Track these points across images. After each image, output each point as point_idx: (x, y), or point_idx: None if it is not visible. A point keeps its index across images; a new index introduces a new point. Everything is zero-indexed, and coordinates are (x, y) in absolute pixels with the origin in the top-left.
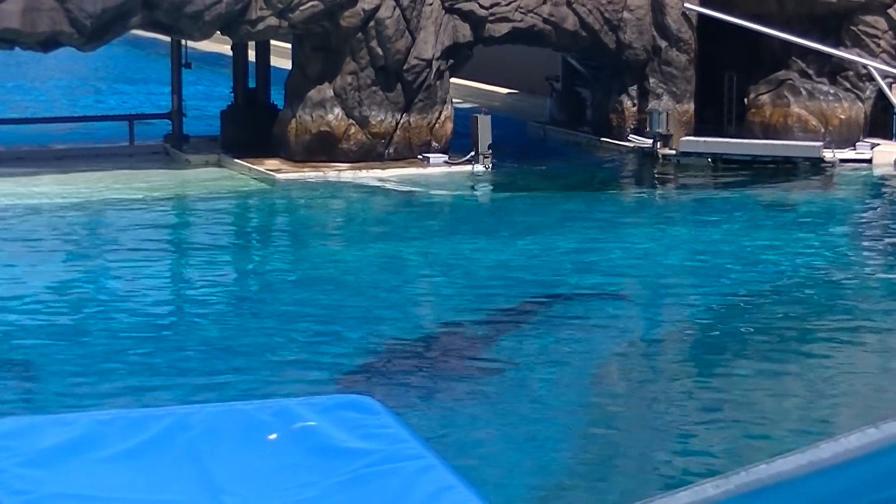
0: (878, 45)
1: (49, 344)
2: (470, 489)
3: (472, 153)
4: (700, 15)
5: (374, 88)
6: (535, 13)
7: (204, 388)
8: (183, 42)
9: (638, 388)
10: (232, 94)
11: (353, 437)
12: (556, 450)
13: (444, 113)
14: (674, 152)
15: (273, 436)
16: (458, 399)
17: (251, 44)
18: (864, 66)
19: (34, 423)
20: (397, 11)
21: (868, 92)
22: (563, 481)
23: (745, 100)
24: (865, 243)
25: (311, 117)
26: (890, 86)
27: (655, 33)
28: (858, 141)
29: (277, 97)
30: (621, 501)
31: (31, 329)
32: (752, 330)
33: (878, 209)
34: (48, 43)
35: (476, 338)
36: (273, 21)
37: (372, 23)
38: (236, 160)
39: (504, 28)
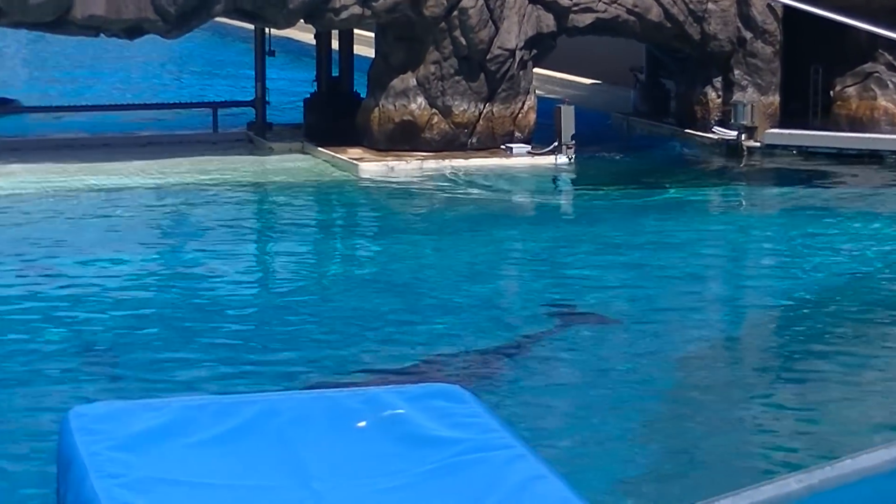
0: None
1: (132, 328)
2: (560, 479)
3: (555, 144)
4: (785, 6)
5: (457, 78)
6: (620, 4)
7: (288, 375)
8: (267, 30)
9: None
10: (315, 83)
11: (443, 426)
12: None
13: (527, 103)
14: (759, 144)
15: (362, 423)
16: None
17: (334, 32)
18: None
19: (126, 407)
20: (481, 1)
21: None
22: (649, 473)
23: (831, 92)
24: None
25: (394, 106)
26: None
27: (740, 24)
28: None
29: (360, 86)
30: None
31: (115, 313)
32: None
33: None
34: (133, 30)
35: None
36: (357, 10)
37: (455, 12)
38: (319, 148)
39: (588, 18)
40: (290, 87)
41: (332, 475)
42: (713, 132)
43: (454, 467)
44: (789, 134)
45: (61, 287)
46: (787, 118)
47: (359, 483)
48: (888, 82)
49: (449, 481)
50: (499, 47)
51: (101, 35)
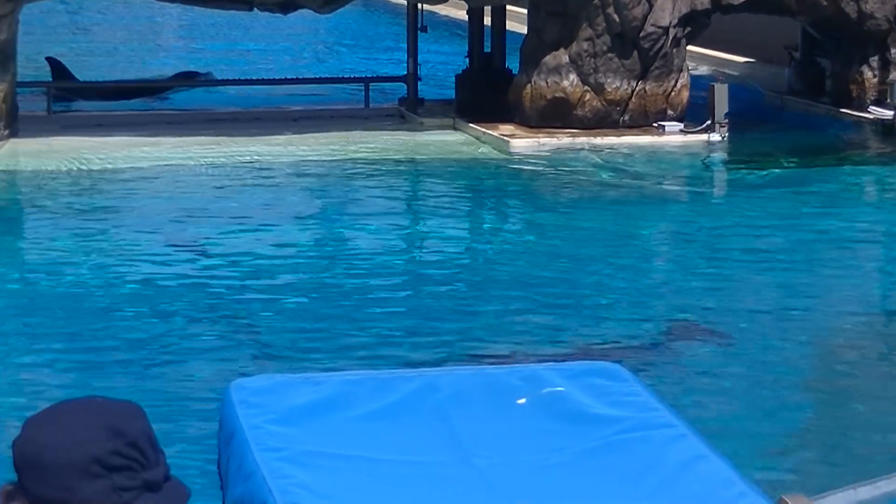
0: None
1: (281, 300)
2: (722, 459)
3: (708, 122)
4: None
5: (610, 55)
6: None
7: (439, 348)
8: (419, 6)
9: None
10: (467, 59)
11: (602, 404)
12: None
13: (680, 81)
14: None
15: (522, 400)
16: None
17: (487, 8)
18: None
19: (286, 381)
20: None
21: None
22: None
23: None
24: None
25: (547, 83)
26: None
27: None
28: None
29: (512, 62)
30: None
31: (264, 285)
32: None
33: None
34: (286, 5)
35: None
36: None
37: None
38: (470, 124)
39: None
40: (442, 63)
41: (491, 451)
42: (869, 112)
43: (615, 445)
44: None
45: (211, 258)
46: None
47: (518, 460)
48: None
49: (609, 459)
50: (652, 24)
51: (255, 9)
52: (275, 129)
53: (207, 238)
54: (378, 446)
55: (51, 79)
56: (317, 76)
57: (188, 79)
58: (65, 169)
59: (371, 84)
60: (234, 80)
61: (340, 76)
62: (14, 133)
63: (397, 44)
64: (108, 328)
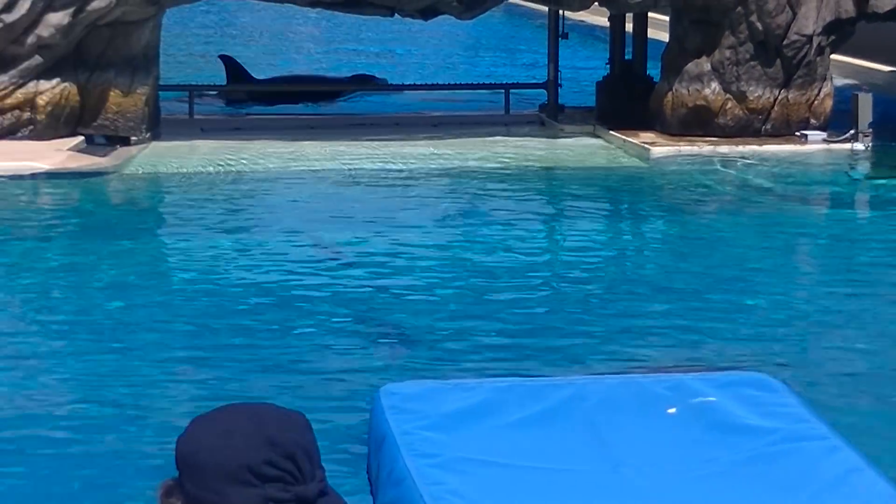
0: None
1: (425, 305)
2: (879, 472)
3: (852, 131)
4: None
5: (752, 63)
6: None
7: (579, 357)
8: (561, 12)
9: None
10: (608, 66)
11: (754, 415)
12: None
13: (823, 90)
14: None
15: (672, 409)
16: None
17: (628, 15)
18: None
19: (435, 386)
20: None
21: None
22: None
23: None
24: None
25: (688, 91)
26: None
27: None
28: None
29: (653, 69)
30: None
31: (405, 291)
32: None
33: None
34: (427, 11)
35: None
36: None
37: None
38: (611, 132)
39: (888, 4)
40: (582, 70)
41: (641, 461)
42: None
43: (767, 457)
44: None
45: (352, 261)
46: None
47: (668, 469)
48: None
49: (762, 471)
50: (796, 33)
51: (396, 15)
52: (415, 135)
53: (348, 242)
54: (528, 454)
55: (225, 79)
56: (457, 83)
57: (364, 82)
58: (205, 171)
59: (512, 90)
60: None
61: (481, 82)
62: (156, 136)
63: (538, 50)
64: (249, 330)
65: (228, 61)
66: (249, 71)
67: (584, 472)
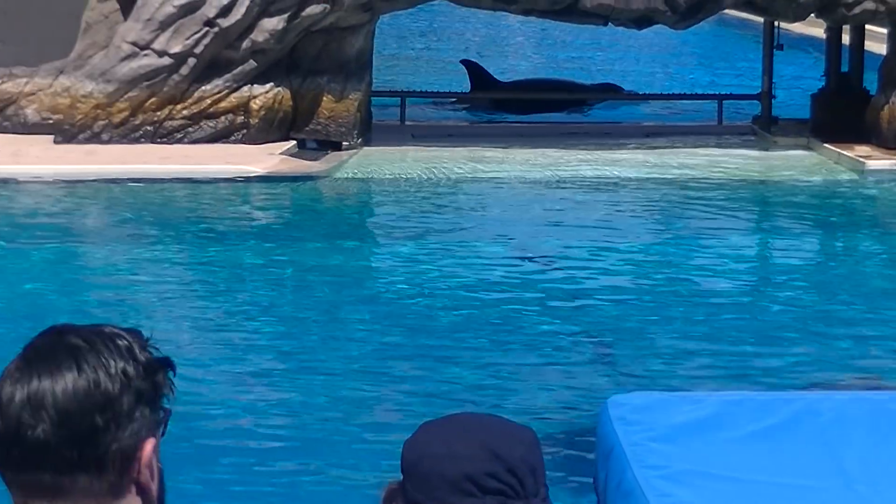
0: None
1: (629, 317)
2: None
3: None
4: None
5: None
6: None
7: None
8: (776, 24)
9: None
10: (823, 78)
11: None
12: None
13: None
14: None
15: None
16: None
17: (845, 27)
18: None
19: (663, 398)
20: None
21: None
22: None
23: None
24: None
25: None
26: None
27: None
28: None
29: (870, 82)
30: None
31: (610, 302)
32: None
33: None
34: (641, 20)
35: None
36: (870, 5)
37: None
38: (825, 145)
39: None
40: (797, 82)
41: (877, 479)
42: None
43: None
44: None
45: (559, 271)
46: None
47: None
48: None
49: None
50: None
51: (609, 24)
52: (624, 144)
53: (554, 251)
54: (758, 468)
55: (469, 84)
56: (669, 92)
57: (608, 91)
58: (415, 177)
59: (725, 101)
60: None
61: (693, 92)
62: (367, 142)
63: (751, 61)
64: (455, 336)
65: (471, 66)
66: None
67: (818, 489)
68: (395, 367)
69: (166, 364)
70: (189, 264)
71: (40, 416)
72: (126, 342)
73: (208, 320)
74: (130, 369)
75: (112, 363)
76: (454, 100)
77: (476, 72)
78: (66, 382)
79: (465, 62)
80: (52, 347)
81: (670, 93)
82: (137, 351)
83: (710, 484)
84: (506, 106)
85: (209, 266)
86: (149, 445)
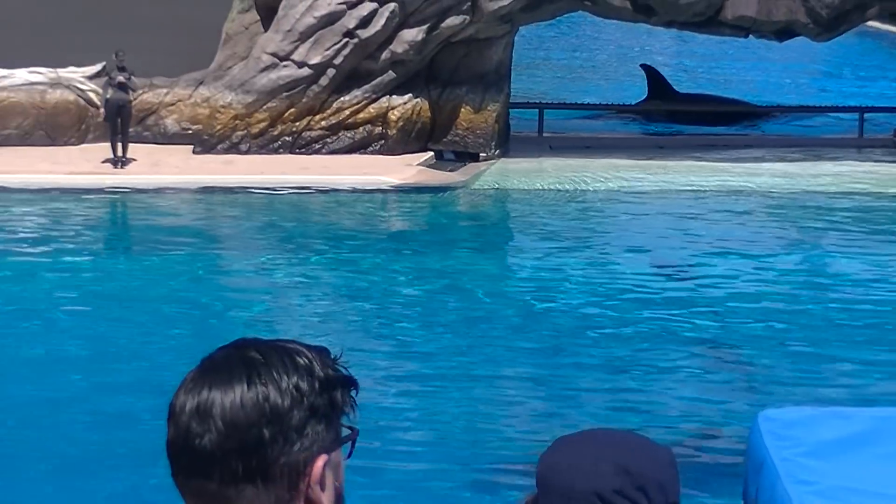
0: None
1: (764, 330)
2: None
3: None
4: None
5: None
6: None
7: None
8: None
9: None
10: None
11: None
12: None
13: None
14: None
15: None
16: None
17: None
18: None
19: (814, 413)
20: None
21: None
22: None
23: None
24: None
25: None
26: None
27: None
28: None
29: None
30: None
31: (745, 314)
32: None
33: None
34: (783, 32)
35: None
36: None
37: None
38: None
39: None
40: None
41: None
42: None
43: None
44: None
45: (693, 282)
46: None
47: None
48: None
49: None
50: None
51: (750, 36)
52: (765, 156)
53: (693, 262)
54: None
55: (646, 90)
56: (811, 105)
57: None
58: (551, 188)
59: (866, 113)
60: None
61: (835, 105)
62: (505, 152)
63: (889, 73)
64: (590, 346)
65: (651, 71)
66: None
67: None
68: (530, 374)
69: (348, 382)
70: (326, 273)
71: (207, 426)
72: (306, 359)
73: (344, 326)
74: (304, 385)
75: (284, 378)
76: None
77: (655, 77)
78: (235, 394)
79: (646, 67)
80: (228, 360)
81: (817, 105)
82: (317, 367)
83: (860, 500)
84: (681, 118)
85: (346, 275)
86: (320, 462)
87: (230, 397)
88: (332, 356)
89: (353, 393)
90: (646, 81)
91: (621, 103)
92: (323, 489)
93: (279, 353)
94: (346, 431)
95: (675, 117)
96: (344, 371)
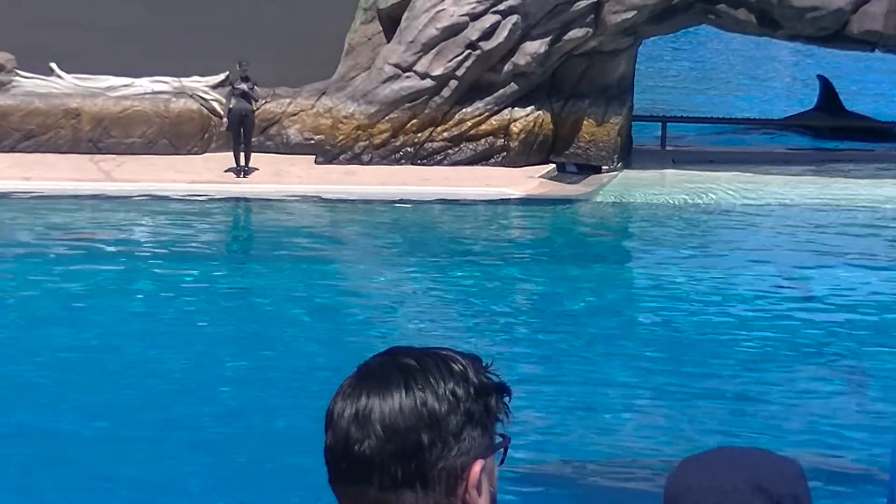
0: None
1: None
2: None
3: None
4: None
5: None
6: None
7: None
8: None
9: None
10: None
11: None
12: None
13: None
14: None
15: None
16: None
17: None
18: None
19: None
20: None
21: None
22: None
23: None
24: None
25: None
26: None
27: None
28: None
29: None
30: None
31: (869, 328)
32: None
33: None
34: None
35: None
36: None
37: None
38: None
39: None
40: None
41: None
42: None
43: None
44: None
45: (817, 296)
46: None
47: None
48: None
49: None
50: None
51: (876, 50)
52: (888, 169)
53: (814, 276)
54: None
55: (818, 99)
56: None
57: None
58: (673, 202)
59: None
60: None
61: None
62: (626, 165)
63: None
64: (709, 358)
65: (825, 83)
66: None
67: None
68: (649, 386)
69: (501, 389)
70: (447, 284)
71: (367, 432)
72: (460, 365)
73: (463, 335)
74: (460, 391)
75: (441, 384)
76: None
77: (828, 89)
78: (393, 400)
79: (822, 78)
80: (385, 367)
81: None
82: (471, 374)
83: None
84: (847, 134)
85: (466, 286)
86: (477, 467)
87: (389, 403)
88: (484, 364)
89: (506, 400)
90: (818, 92)
91: (758, 118)
92: (480, 494)
93: (434, 360)
94: (497, 439)
95: (840, 133)
96: (497, 378)
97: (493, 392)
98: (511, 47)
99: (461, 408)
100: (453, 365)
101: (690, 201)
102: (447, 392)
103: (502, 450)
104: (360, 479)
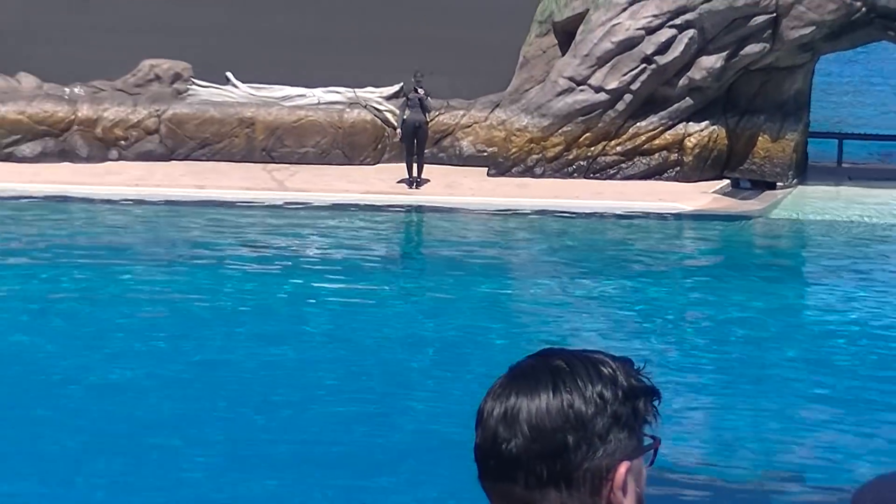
0: None
1: None
2: None
3: None
4: None
5: None
6: None
7: None
8: None
9: None
10: None
11: None
12: None
13: None
14: None
15: None
16: None
17: None
18: None
19: None
20: None
21: None
22: None
23: None
24: None
25: None
26: None
27: None
28: None
29: None
30: None
31: None
32: None
33: None
34: None
35: None
36: None
37: None
38: None
39: None
40: None
41: None
42: None
43: None
44: None
45: None
46: None
47: None
48: None
49: None
50: None
51: None
52: None
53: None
54: None
55: None
56: None
57: None
58: (850, 219)
59: None
60: None
61: None
62: (802, 182)
63: None
64: (882, 382)
65: None
66: None
67: None
68: (820, 411)
69: (651, 392)
70: (618, 297)
71: (514, 431)
72: (610, 369)
73: (629, 346)
74: (608, 393)
75: (589, 386)
76: None
77: None
78: (540, 401)
79: None
80: (535, 368)
81: None
82: (621, 377)
83: None
84: None
85: (638, 299)
86: (622, 468)
87: (536, 404)
88: (636, 367)
89: (655, 403)
90: None
91: None
92: (625, 494)
93: (584, 363)
94: (647, 440)
95: None
96: (647, 381)
97: (641, 395)
98: (687, 62)
99: (608, 410)
100: (603, 368)
101: (867, 218)
102: (594, 394)
103: (651, 451)
104: (507, 477)
